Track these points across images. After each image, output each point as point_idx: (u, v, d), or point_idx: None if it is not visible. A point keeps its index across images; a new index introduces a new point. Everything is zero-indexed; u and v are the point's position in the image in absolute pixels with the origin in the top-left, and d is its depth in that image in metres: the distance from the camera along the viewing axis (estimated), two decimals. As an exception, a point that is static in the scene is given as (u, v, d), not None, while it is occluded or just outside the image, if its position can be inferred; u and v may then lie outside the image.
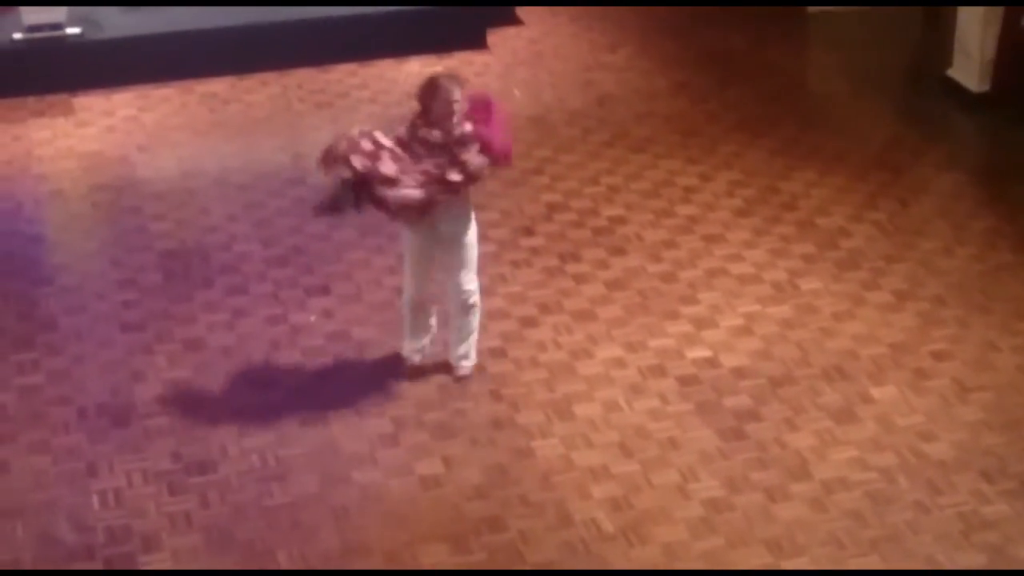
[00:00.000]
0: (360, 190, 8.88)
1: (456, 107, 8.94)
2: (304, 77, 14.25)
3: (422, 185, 8.87)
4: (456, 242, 9.30)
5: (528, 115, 13.57)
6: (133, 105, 13.68)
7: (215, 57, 14.19)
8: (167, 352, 10.04)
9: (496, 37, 15.12)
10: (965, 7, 13.72)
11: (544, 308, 10.53)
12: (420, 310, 9.65)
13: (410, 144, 9.01)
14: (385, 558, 8.23)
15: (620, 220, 11.73)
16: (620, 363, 9.91)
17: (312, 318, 10.41)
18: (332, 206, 9.09)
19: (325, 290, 10.75)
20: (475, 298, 9.51)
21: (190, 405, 9.51)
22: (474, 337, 9.64)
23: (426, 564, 8.18)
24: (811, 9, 15.84)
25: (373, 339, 10.16)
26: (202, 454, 9.05)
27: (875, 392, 9.58)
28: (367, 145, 8.85)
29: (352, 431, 9.25)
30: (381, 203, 8.93)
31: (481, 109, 9.11)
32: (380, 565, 8.18)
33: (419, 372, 9.75)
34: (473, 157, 8.99)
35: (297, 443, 9.15)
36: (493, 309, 10.45)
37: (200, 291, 10.74)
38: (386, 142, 8.93)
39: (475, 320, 9.58)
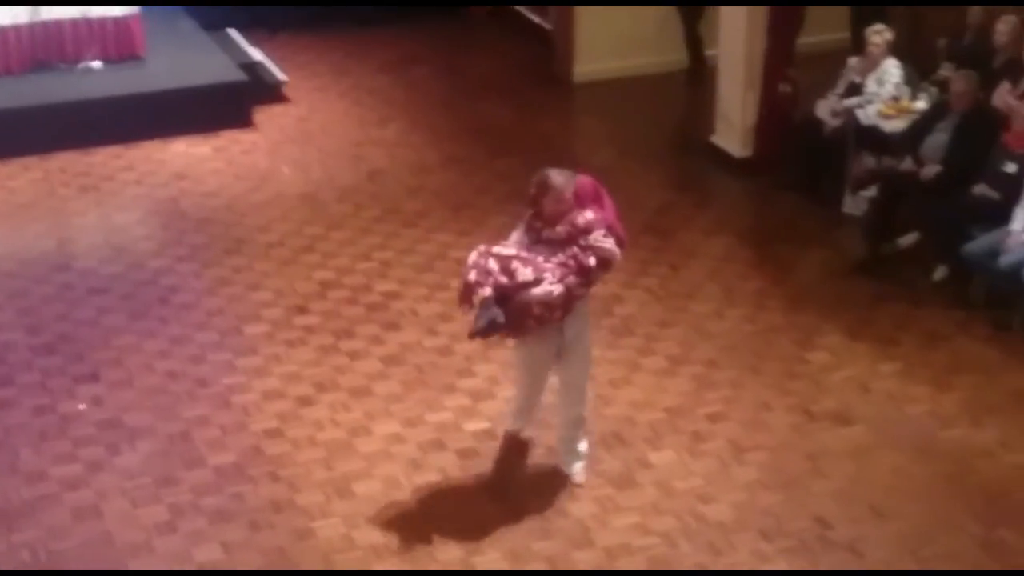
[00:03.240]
0: (504, 304, 8.55)
1: (569, 201, 8.66)
2: (67, 161, 13.97)
3: (562, 279, 8.57)
4: (580, 344, 8.99)
5: (298, 193, 13.48)
6: None
7: (-27, 143, 13.85)
8: (-70, 448, 9.69)
9: (263, 115, 15.02)
10: (726, 75, 14.01)
11: (320, 386, 10.41)
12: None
13: (533, 247, 8.70)
14: (164, 650, 8.02)
15: (394, 295, 11.69)
16: (399, 439, 9.83)
17: (82, 406, 10.13)
18: (488, 328, 8.62)
19: (94, 377, 10.49)
20: (587, 411, 9.37)
21: (-45, 502, 9.19)
22: (585, 443, 9.42)
23: (207, 654, 7.98)
24: (576, 79, 16.04)
25: (146, 425, 9.92)
26: (-31, 552, 8.74)
27: (653, 457, 9.64)
28: (494, 264, 8.57)
29: (126, 521, 9.00)
30: (526, 311, 8.56)
31: (591, 194, 8.82)
32: (159, 658, 7.96)
33: (197, 458, 9.55)
34: (602, 240, 8.70)
35: (69, 536, 8.86)
36: (269, 390, 10.32)
37: (-37, 383, 10.41)
38: (509, 251, 8.65)
39: (582, 430, 9.38)
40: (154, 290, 11.71)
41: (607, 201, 8.86)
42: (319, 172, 13.95)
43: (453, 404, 10.22)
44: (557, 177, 8.64)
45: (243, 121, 14.77)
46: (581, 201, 8.71)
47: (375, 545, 8.81)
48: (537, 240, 8.69)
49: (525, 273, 8.51)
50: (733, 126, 14.01)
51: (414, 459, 9.63)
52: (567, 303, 8.63)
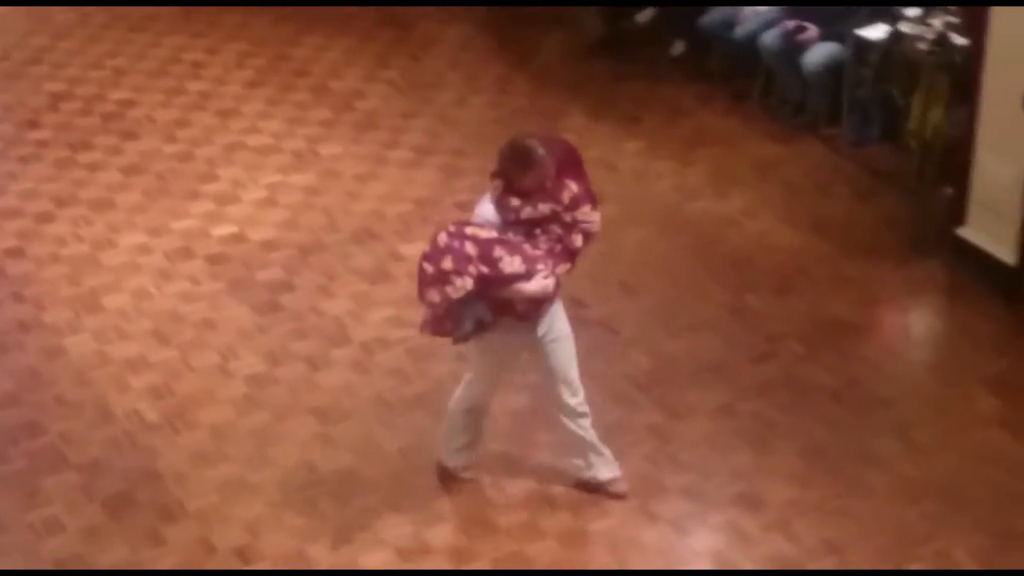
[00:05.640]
0: (485, 296, 7.07)
1: (552, 174, 7.13)
2: None
3: (553, 268, 7.15)
4: (558, 330, 7.41)
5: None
6: None
7: None
8: None
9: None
10: None
11: (59, 201, 10.12)
12: (480, 417, 7.74)
13: (510, 227, 7.15)
14: (-83, 481, 7.81)
15: (129, 103, 11.38)
16: (145, 249, 9.64)
17: None
18: (474, 330, 7.19)
19: None
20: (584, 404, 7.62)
21: None
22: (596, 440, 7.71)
23: (-38, 480, 7.80)
24: None
25: None
26: None
27: (405, 249, 9.60)
28: (471, 249, 6.97)
29: None
30: (508, 308, 7.15)
31: (571, 160, 7.33)
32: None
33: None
34: (590, 215, 7.24)
35: None
36: (6, 208, 10.02)
37: None
38: (490, 234, 7.06)
39: (589, 424, 7.65)
40: None
41: (583, 166, 7.43)
42: (39, -20, 13.42)
43: (198, 210, 10.04)
44: (539, 149, 7.08)
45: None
46: (561, 170, 7.20)
47: (128, 358, 8.67)
48: (515, 221, 7.14)
49: (513, 264, 6.99)
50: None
51: (162, 268, 9.46)
52: (554, 295, 7.27)
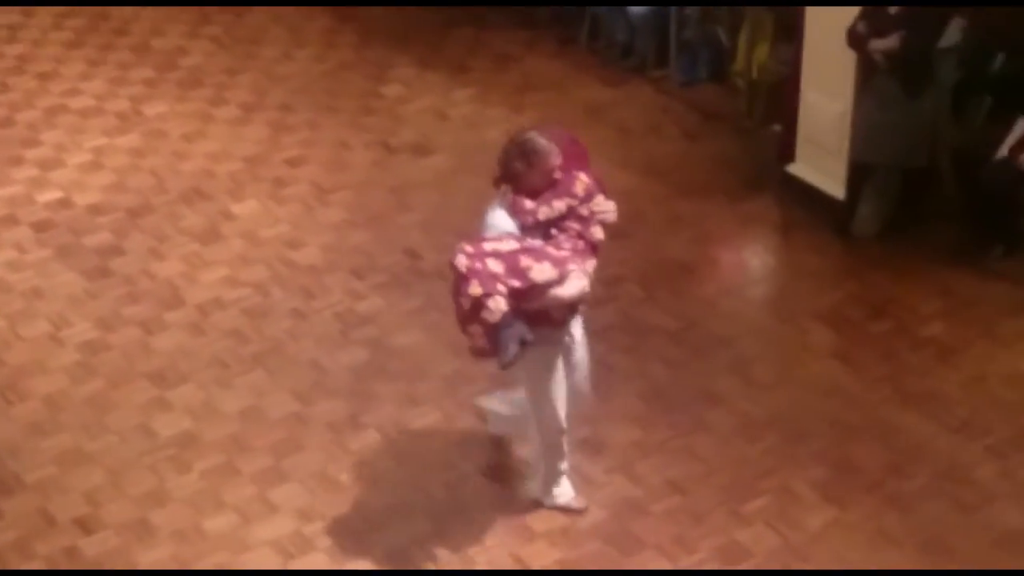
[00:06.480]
0: (519, 310, 6.54)
1: (559, 166, 6.71)
2: None
3: (583, 266, 6.70)
4: (580, 335, 7.05)
5: None
6: None
7: None
8: None
9: None
10: None
11: None
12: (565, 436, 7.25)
13: (527, 231, 6.67)
14: None
15: (-57, 69, 11.11)
16: (-33, 219, 9.44)
17: None
18: (520, 353, 6.54)
19: None
20: None
21: None
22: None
23: None
24: None
25: None
26: None
27: (236, 208, 9.48)
28: (497, 265, 6.50)
29: None
30: (543, 317, 6.69)
31: (575, 150, 6.89)
32: None
33: None
34: (605, 205, 6.79)
35: None
36: None
37: None
38: (509, 245, 6.57)
39: None
40: None
41: (587, 155, 7.00)
42: None
43: (22, 176, 9.82)
44: (540, 139, 6.70)
45: None
46: (568, 161, 6.79)
47: (-46, 331, 8.49)
48: (533, 224, 6.69)
49: (544, 271, 6.54)
50: None
51: (-14, 238, 9.27)
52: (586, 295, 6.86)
